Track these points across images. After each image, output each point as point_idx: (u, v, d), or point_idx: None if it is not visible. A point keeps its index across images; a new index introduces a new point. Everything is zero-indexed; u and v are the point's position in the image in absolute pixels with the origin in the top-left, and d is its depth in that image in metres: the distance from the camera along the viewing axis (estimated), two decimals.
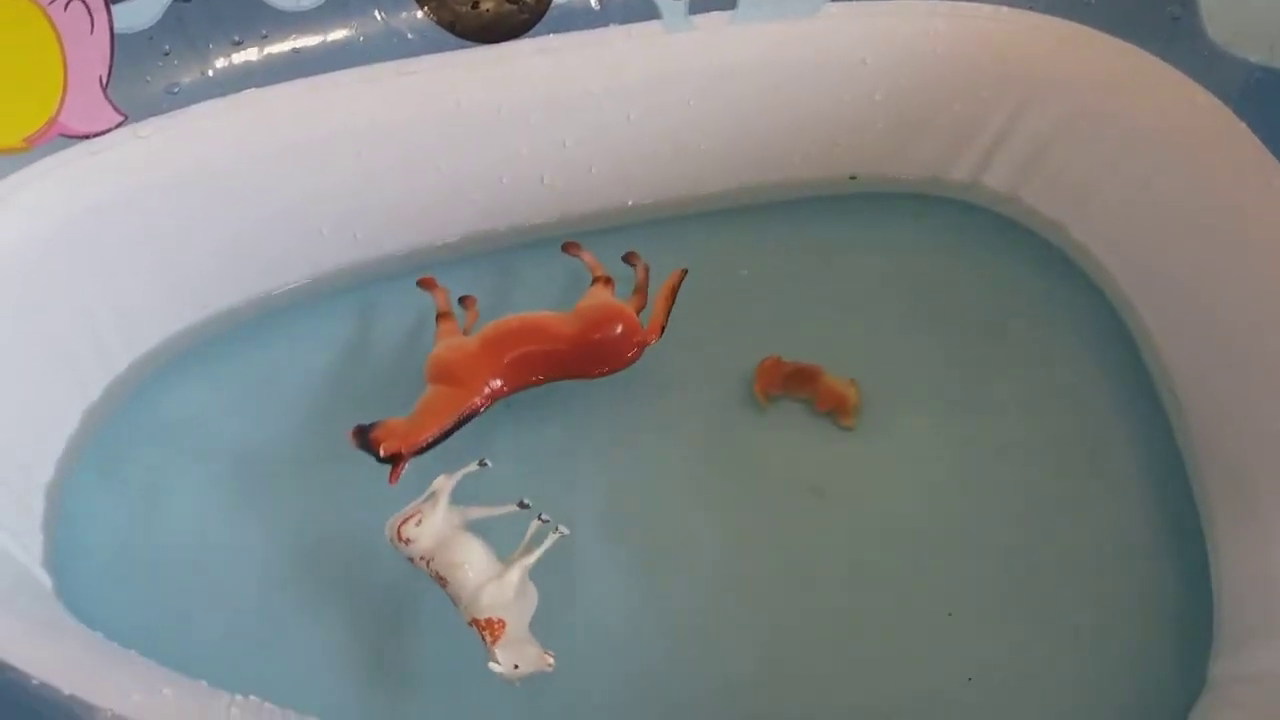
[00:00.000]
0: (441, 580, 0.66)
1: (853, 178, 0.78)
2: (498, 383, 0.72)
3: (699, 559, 0.76)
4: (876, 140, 0.83)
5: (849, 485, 0.79)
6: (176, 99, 0.68)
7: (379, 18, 0.70)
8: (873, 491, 0.79)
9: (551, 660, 0.64)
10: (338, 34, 0.70)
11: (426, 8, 0.71)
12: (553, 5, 0.72)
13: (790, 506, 0.78)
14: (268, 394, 0.79)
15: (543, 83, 0.74)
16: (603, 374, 0.74)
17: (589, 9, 0.73)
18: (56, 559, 0.71)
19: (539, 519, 0.67)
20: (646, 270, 0.78)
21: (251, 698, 0.56)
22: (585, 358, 0.73)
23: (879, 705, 0.72)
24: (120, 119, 0.66)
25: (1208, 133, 0.73)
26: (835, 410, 0.80)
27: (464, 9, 0.71)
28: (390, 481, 0.70)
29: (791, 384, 0.80)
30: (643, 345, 0.74)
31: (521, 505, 0.67)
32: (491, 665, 0.62)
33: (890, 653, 0.74)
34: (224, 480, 0.77)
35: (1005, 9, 0.76)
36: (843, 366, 0.81)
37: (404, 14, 0.71)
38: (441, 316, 0.77)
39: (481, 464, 0.68)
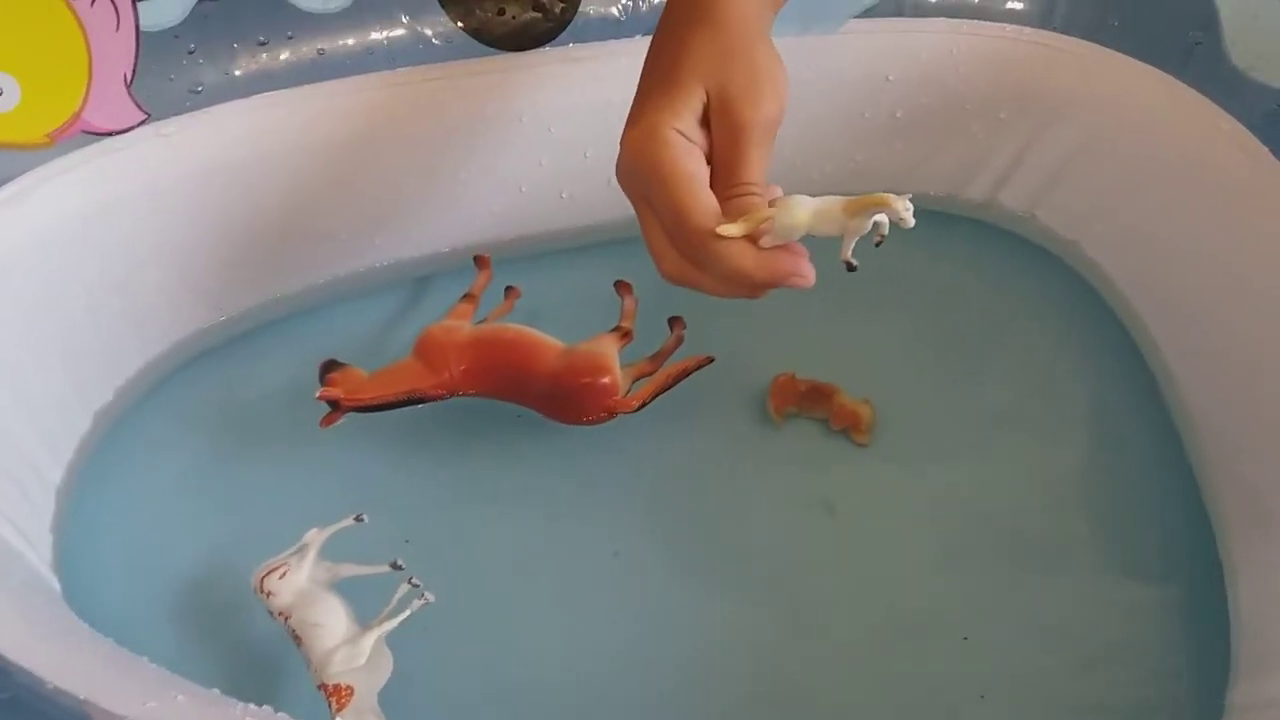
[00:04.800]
0: (297, 639, 0.62)
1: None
2: (456, 381, 0.70)
3: (706, 579, 0.75)
4: (895, 158, 0.83)
5: (862, 502, 0.78)
6: (200, 98, 0.67)
7: (404, 22, 0.70)
8: (886, 509, 0.78)
9: None
10: (363, 37, 0.70)
11: (452, 13, 0.71)
12: (577, 15, 0.72)
13: (801, 523, 0.77)
14: (283, 400, 0.79)
15: (565, 92, 0.74)
16: (566, 421, 0.71)
17: (613, 19, 0.73)
18: (64, 563, 0.70)
19: (409, 583, 0.64)
20: (678, 343, 0.75)
21: (266, 707, 0.54)
22: (555, 398, 0.70)
23: None
24: (143, 117, 0.66)
25: (1229, 157, 0.73)
26: (850, 428, 0.79)
27: (489, 16, 0.71)
28: (321, 424, 0.69)
29: (806, 402, 0.80)
30: (613, 411, 0.70)
31: (394, 566, 0.64)
32: None
33: (903, 671, 0.73)
34: (234, 487, 0.76)
35: (1027, 29, 0.76)
36: (856, 383, 0.80)
37: (429, 19, 0.70)
38: (466, 297, 0.76)
39: (358, 519, 0.65)
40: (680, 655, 0.72)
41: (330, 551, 0.66)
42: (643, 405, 0.72)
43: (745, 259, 0.44)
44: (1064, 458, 0.80)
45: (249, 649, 0.70)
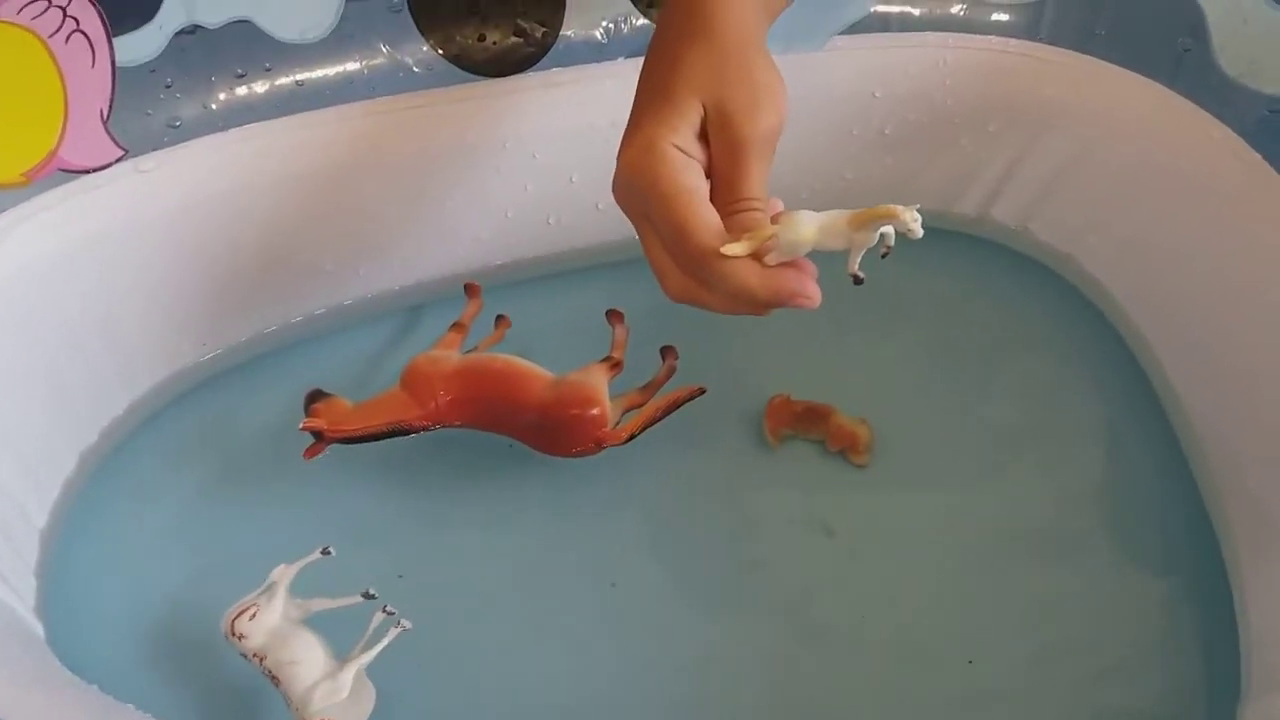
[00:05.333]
0: (274, 680, 0.61)
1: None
2: (442, 412, 0.69)
3: (704, 606, 0.74)
4: (884, 175, 0.82)
5: (861, 524, 0.77)
6: (178, 133, 0.66)
7: (384, 50, 0.69)
8: (886, 530, 0.77)
9: None
10: (342, 67, 0.69)
11: (432, 40, 0.70)
12: (559, 39, 0.71)
13: (801, 546, 0.76)
14: (272, 437, 0.77)
15: (549, 117, 0.73)
16: (554, 453, 0.70)
17: (595, 42, 0.72)
18: (49, 607, 0.69)
19: (384, 611, 0.63)
20: (670, 374, 0.74)
21: None
22: (544, 430, 0.69)
23: None
24: (121, 153, 0.65)
25: (1222, 165, 0.72)
26: (847, 449, 0.78)
27: (470, 42, 0.71)
28: (304, 455, 0.68)
29: (802, 423, 0.79)
30: (602, 443, 0.68)
31: (366, 596, 0.63)
32: None
33: (908, 695, 0.71)
34: (222, 526, 0.75)
35: (1013, 41, 0.76)
36: (852, 403, 0.79)
37: (409, 47, 0.70)
38: (455, 326, 0.75)
39: (325, 552, 0.64)
40: (680, 683, 0.71)
41: (323, 590, 0.65)
42: (632, 437, 0.71)
43: (750, 278, 0.43)
44: (1066, 474, 0.79)
45: (235, 691, 0.69)
